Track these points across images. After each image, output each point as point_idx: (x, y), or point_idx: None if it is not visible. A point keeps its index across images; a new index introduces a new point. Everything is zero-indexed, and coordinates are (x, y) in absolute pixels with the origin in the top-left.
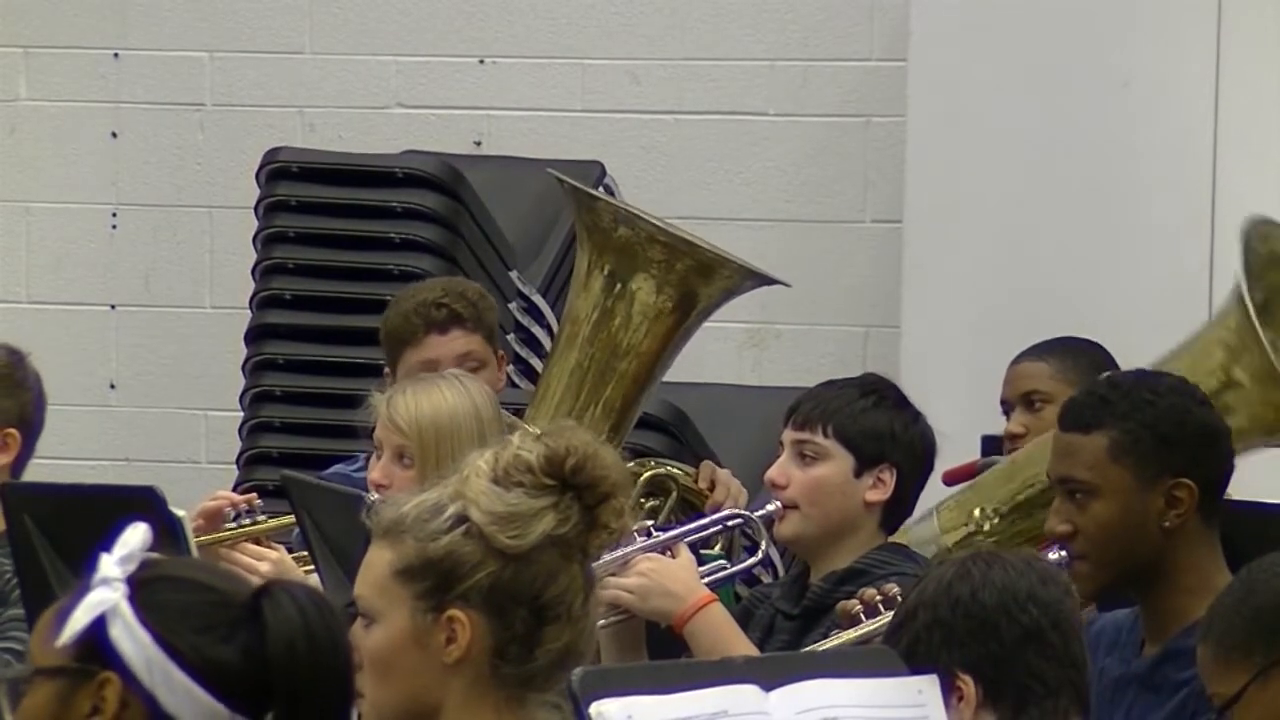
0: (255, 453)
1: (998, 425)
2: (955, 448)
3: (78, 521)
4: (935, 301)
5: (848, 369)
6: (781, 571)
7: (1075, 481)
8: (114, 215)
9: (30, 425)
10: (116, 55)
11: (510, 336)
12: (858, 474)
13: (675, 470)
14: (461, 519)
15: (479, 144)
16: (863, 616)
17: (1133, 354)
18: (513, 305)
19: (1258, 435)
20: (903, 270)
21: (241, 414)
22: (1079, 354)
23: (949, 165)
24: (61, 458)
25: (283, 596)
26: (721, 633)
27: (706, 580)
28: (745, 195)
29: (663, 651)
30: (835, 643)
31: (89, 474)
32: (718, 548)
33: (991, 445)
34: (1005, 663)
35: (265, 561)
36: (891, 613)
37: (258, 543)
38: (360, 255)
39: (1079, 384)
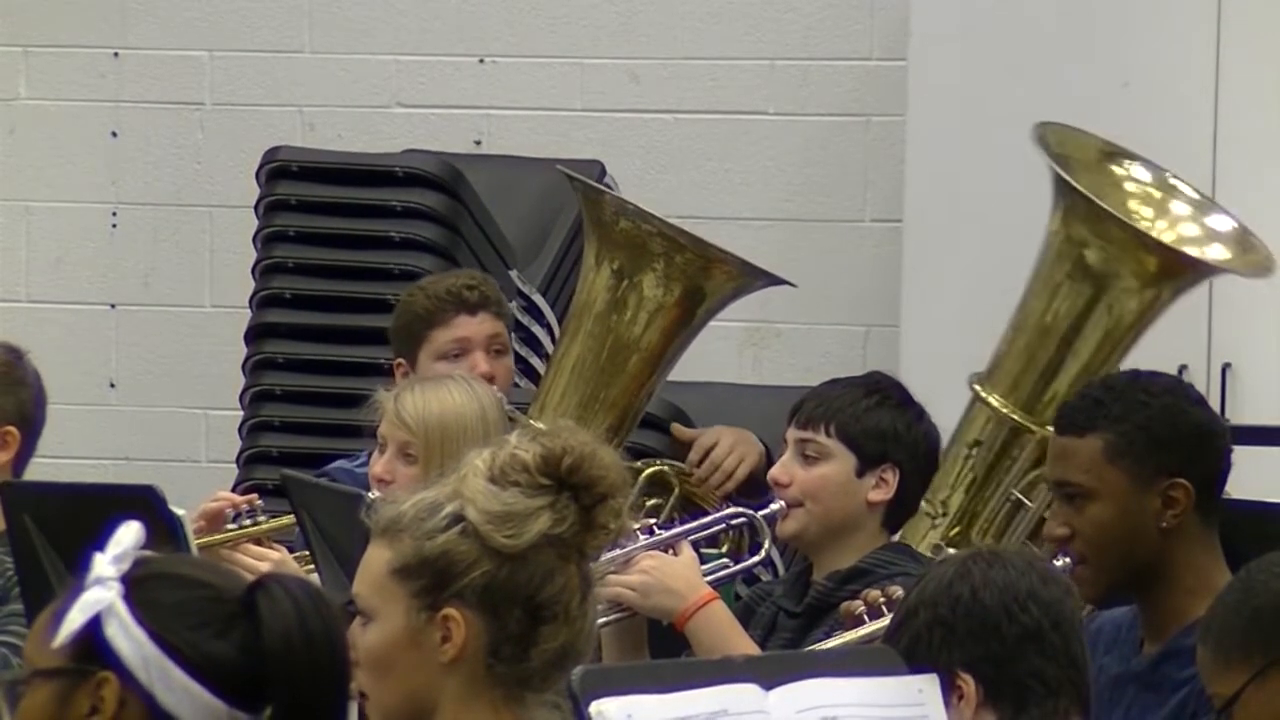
0: (255, 452)
1: None
2: None
3: (77, 520)
4: (935, 301)
5: (848, 368)
6: (782, 570)
7: (1072, 485)
8: (114, 215)
9: (30, 423)
10: (116, 54)
11: (510, 336)
12: (860, 474)
13: (669, 466)
14: (458, 518)
15: (479, 143)
16: (866, 618)
17: (1132, 354)
18: (513, 305)
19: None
20: (903, 270)
21: (241, 413)
22: None
23: (949, 165)
24: (61, 457)
25: (277, 590)
26: (723, 631)
27: (709, 579)
28: (745, 195)
29: (664, 649)
30: (837, 643)
31: (89, 473)
32: (725, 547)
33: None
34: (1005, 662)
35: (266, 562)
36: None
37: (259, 543)
38: (360, 254)
39: None
